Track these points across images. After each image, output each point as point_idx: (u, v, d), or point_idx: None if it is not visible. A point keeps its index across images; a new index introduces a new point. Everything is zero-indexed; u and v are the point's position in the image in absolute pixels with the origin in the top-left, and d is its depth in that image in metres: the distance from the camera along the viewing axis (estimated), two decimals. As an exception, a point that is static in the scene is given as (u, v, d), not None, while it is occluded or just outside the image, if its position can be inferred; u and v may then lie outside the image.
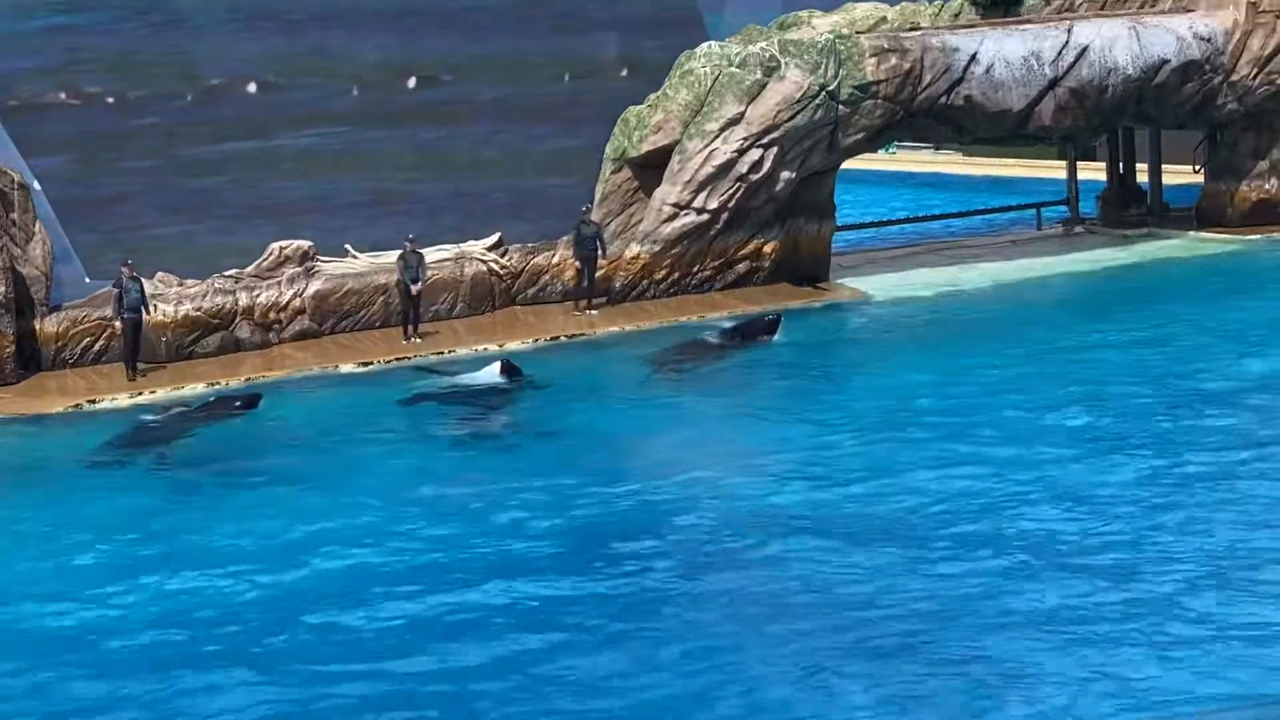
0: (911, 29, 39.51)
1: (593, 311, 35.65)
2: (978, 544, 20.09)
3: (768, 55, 36.79)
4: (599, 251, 35.83)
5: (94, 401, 30.88)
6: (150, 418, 29.38)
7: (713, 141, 36.29)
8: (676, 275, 36.79)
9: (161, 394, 31.04)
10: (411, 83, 36.97)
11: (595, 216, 36.60)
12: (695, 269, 36.92)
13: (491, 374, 30.74)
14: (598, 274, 36.07)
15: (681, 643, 17.63)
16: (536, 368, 31.18)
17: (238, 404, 29.85)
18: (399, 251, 34.41)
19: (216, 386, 31.51)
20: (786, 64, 36.59)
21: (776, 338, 33.12)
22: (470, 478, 24.40)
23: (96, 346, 33.15)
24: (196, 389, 31.33)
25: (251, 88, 35.60)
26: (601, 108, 37.52)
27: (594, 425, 27.40)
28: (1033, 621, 17.58)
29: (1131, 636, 16.99)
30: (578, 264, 35.99)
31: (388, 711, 16.40)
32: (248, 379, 32.07)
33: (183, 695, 17.02)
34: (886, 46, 37.27)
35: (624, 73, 38.60)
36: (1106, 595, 18.16)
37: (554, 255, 36.60)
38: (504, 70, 37.62)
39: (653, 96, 37.45)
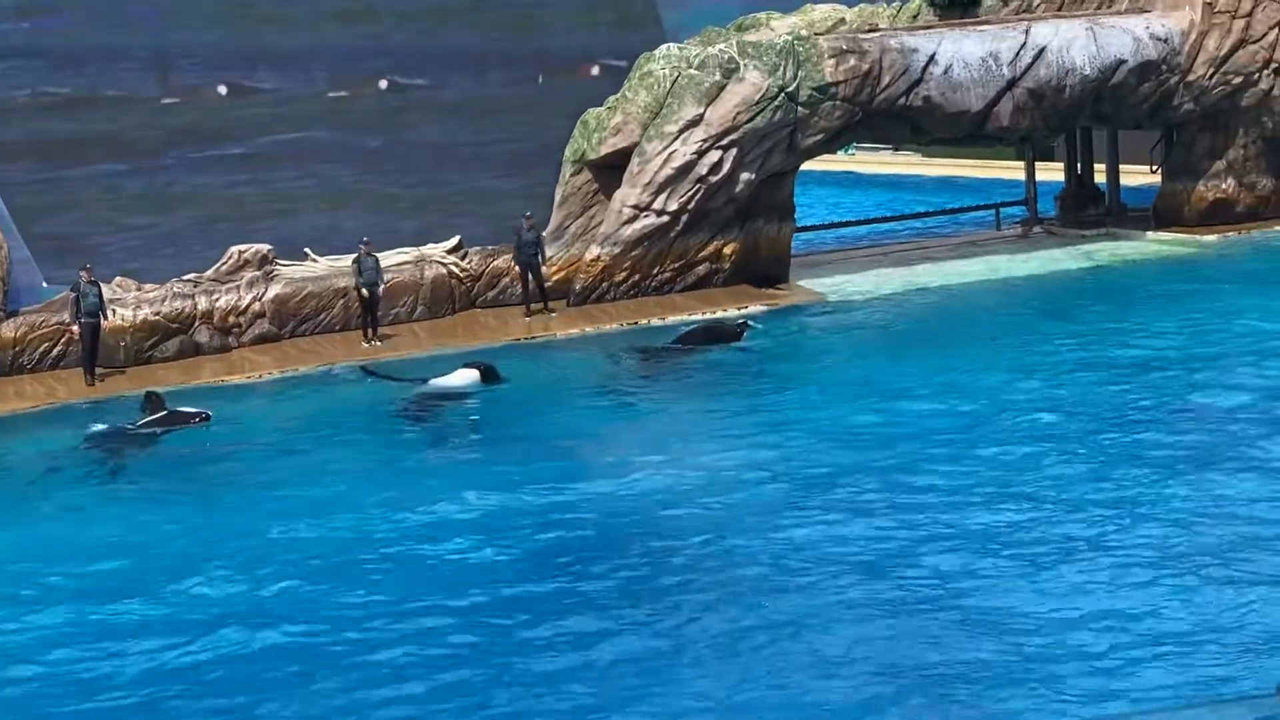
0: (870, 30, 39.60)
1: (552, 313, 35.61)
2: (940, 543, 20.12)
3: (726, 57, 36.84)
4: (540, 256, 35.78)
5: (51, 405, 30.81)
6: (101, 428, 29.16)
7: (672, 143, 36.31)
8: (636, 277, 36.80)
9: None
10: (383, 85, 36.99)
11: (555, 219, 36.58)
12: (655, 271, 36.94)
13: (468, 378, 30.50)
14: (554, 277, 36.09)
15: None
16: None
17: (196, 419, 29.05)
18: (354, 255, 34.34)
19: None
20: (745, 66, 36.63)
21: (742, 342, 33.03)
22: (438, 484, 24.30)
23: (55, 351, 33.02)
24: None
25: (222, 89, 35.51)
26: (564, 109, 37.67)
27: (559, 429, 27.32)
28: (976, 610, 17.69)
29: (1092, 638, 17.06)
30: (519, 269, 35.94)
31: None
32: (208, 382, 32.04)
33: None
34: (845, 48, 37.34)
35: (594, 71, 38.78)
36: (1050, 586, 18.26)
37: (512, 256, 36.59)
38: (466, 71, 37.69)
39: (612, 98, 37.48)
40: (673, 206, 36.44)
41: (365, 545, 21.62)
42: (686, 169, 36.26)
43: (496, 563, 20.69)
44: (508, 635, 18.18)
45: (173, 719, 16.78)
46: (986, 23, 40.36)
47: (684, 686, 16.56)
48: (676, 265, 37.07)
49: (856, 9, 41.45)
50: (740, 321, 34.12)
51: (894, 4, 42.25)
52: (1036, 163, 46.17)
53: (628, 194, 36.54)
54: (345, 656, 17.86)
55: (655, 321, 35.28)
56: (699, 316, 35.19)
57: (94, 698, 17.28)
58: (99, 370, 32.08)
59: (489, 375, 30.61)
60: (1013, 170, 49.61)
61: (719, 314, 35.16)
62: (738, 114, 36.35)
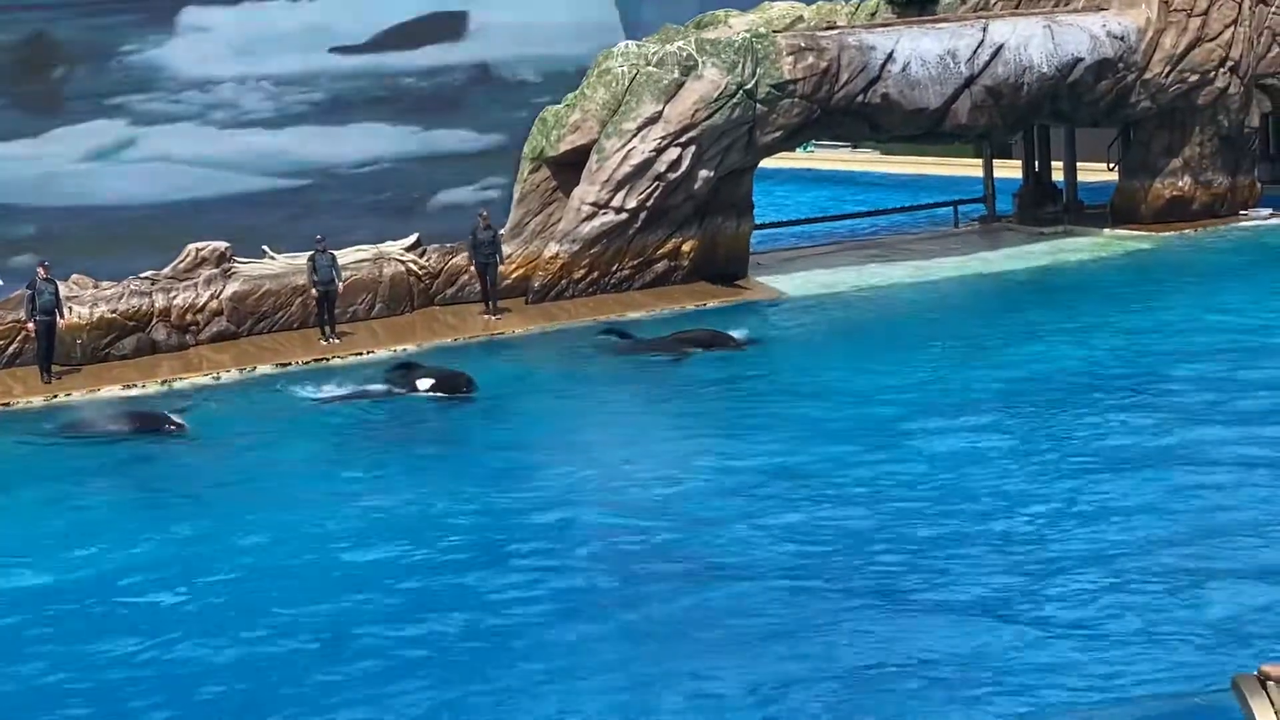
0: (828, 28, 39.68)
1: (496, 316, 35.47)
2: (902, 546, 20.13)
3: (685, 54, 36.86)
4: (496, 256, 35.71)
5: (7, 404, 30.64)
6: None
7: (630, 141, 36.32)
8: (595, 274, 36.79)
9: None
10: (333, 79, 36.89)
11: (514, 216, 36.57)
12: (614, 268, 36.93)
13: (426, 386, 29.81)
14: (512, 275, 36.06)
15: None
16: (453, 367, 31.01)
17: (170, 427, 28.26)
18: (309, 253, 34.24)
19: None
20: (704, 63, 36.66)
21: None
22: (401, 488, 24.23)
23: (10, 349, 32.84)
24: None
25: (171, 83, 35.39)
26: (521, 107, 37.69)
27: (514, 434, 27.25)
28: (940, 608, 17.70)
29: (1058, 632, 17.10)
30: (475, 269, 35.87)
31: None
32: (164, 381, 31.91)
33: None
34: (803, 45, 37.40)
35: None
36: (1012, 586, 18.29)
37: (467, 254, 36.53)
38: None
39: (570, 96, 37.48)
40: (631, 204, 36.45)
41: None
42: (645, 166, 36.27)
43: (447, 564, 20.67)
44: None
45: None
46: (944, 20, 40.49)
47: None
48: (635, 263, 37.07)
49: (814, 6, 41.58)
50: (744, 340, 32.36)
51: (852, 1, 42.35)
52: (994, 160, 46.40)
53: (586, 191, 36.53)
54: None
55: (615, 319, 35.27)
56: (658, 312, 35.22)
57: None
58: (55, 368, 31.90)
59: (454, 387, 29.56)
60: (971, 168, 49.80)
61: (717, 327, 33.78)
62: (696, 111, 36.37)
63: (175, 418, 28.26)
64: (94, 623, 19.02)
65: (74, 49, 34.36)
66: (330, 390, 30.05)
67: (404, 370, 30.59)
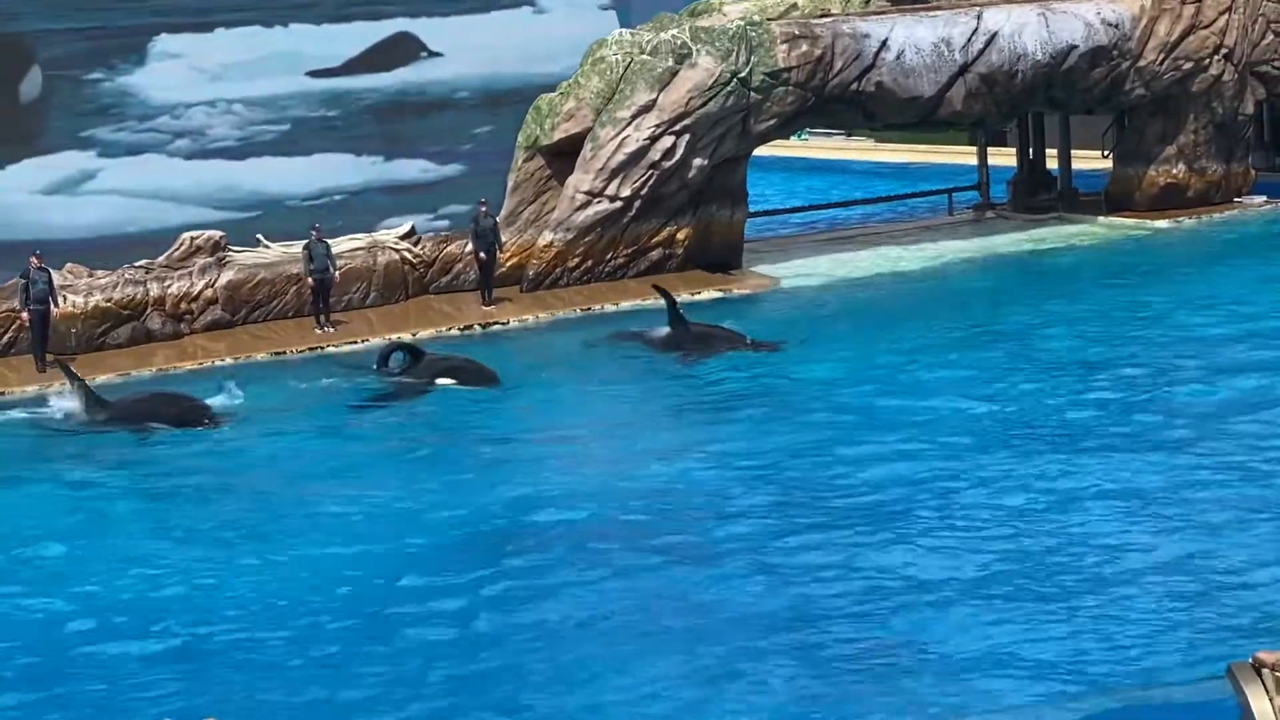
0: (822, 15, 39.64)
1: (490, 306, 35.44)
2: (902, 532, 20.16)
3: (679, 42, 36.84)
4: (496, 244, 35.66)
5: (1, 394, 30.65)
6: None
7: (625, 129, 36.30)
8: (590, 263, 36.78)
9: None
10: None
11: (508, 205, 36.55)
12: (608, 257, 36.92)
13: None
14: (507, 263, 36.06)
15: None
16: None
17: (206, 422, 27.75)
18: (304, 242, 34.21)
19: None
20: (698, 51, 36.64)
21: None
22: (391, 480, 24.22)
23: (5, 338, 32.82)
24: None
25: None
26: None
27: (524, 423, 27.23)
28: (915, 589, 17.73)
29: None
30: (478, 258, 35.78)
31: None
32: (159, 370, 31.93)
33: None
34: (798, 33, 37.38)
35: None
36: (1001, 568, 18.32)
37: (466, 244, 36.48)
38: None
39: (564, 84, 37.45)
40: (626, 192, 36.43)
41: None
42: (639, 155, 36.25)
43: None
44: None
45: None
46: (939, 8, 40.47)
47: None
48: (629, 251, 37.06)
49: (809, -6, 41.47)
50: (752, 341, 31.04)
51: (846, -11, 42.29)
52: (989, 148, 46.34)
53: (581, 180, 36.51)
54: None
55: (609, 308, 35.29)
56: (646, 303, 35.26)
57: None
58: (50, 357, 31.88)
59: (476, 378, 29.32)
60: (965, 155, 49.78)
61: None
62: (690, 99, 36.35)
63: (214, 404, 28.05)
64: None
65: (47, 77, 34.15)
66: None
67: (416, 360, 30.36)
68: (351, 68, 36.82)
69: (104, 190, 34.46)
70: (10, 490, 24.61)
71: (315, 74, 36.37)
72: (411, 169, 37.21)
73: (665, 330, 32.02)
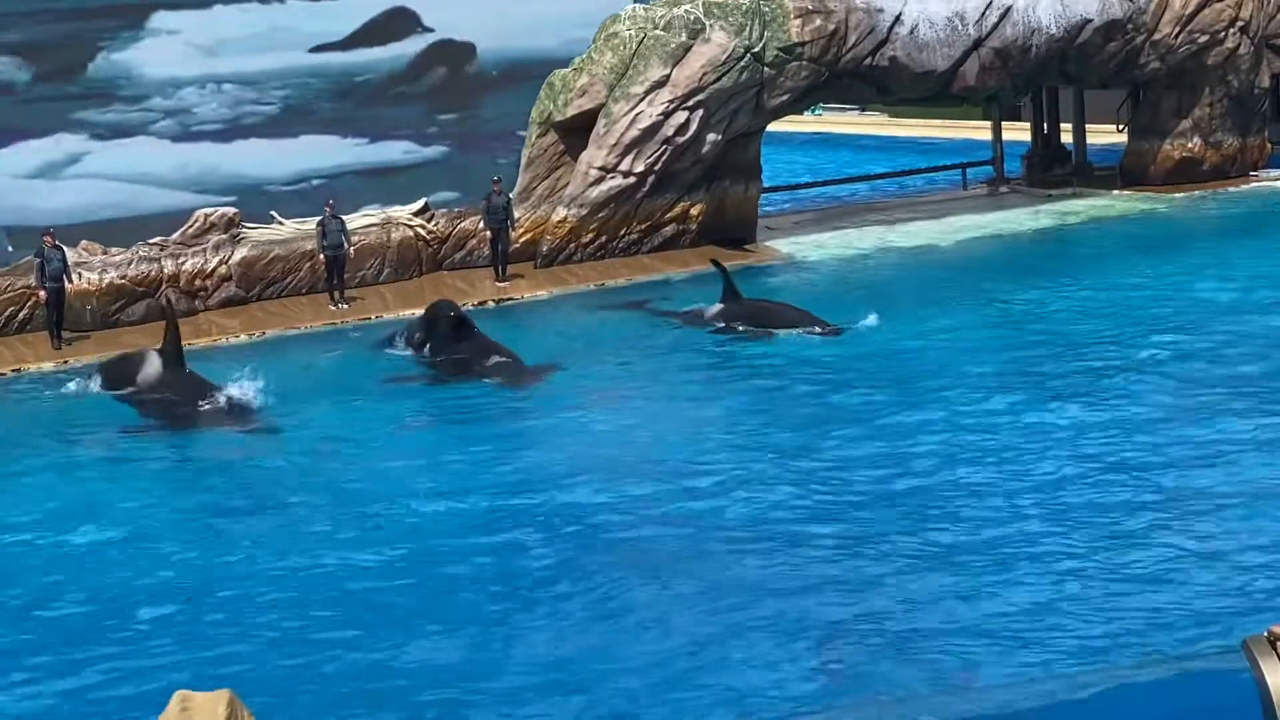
0: (836, -10, 39.54)
1: (504, 282, 35.46)
2: (910, 514, 20.16)
3: (692, 18, 36.79)
4: (509, 222, 35.63)
5: (18, 370, 30.70)
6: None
7: (638, 104, 36.27)
8: (603, 239, 36.78)
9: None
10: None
11: (522, 181, 36.55)
12: (622, 232, 36.92)
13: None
14: (521, 239, 36.07)
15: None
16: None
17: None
18: (319, 219, 34.22)
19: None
20: (711, 26, 36.60)
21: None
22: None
23: (21, 315, 32.89)
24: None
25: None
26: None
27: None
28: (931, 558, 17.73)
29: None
30: (489, 234, 35.72)
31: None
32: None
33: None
34: (811, 8, 37.30)
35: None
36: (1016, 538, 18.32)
37: (480, 220, 36.48)
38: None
39: (578, 60, 37.42)
40: (639, 168, 36.41)
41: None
42: (653, 130, 36.23)
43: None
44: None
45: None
46: (952, -18, 40.33)
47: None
48: (643, 227, 37.05)
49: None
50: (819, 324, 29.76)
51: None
52: (1003, 122, 46.27)
53: (594, 155, 36.50)
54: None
55: (622, 282, 35.28)
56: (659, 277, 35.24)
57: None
58: (66, 334, 31.97)
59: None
60: (979, 130, 49.72)
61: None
62: (704, 75, 36.32)
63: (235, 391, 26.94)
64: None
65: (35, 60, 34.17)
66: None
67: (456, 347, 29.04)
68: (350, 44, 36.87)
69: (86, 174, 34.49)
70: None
71: (316, 50, 36.40)
72: (395, 151, 37.16)
73: (718, 306, 31.13)
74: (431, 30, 37.47)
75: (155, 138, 35.01)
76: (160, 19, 35.06)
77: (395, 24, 37.34)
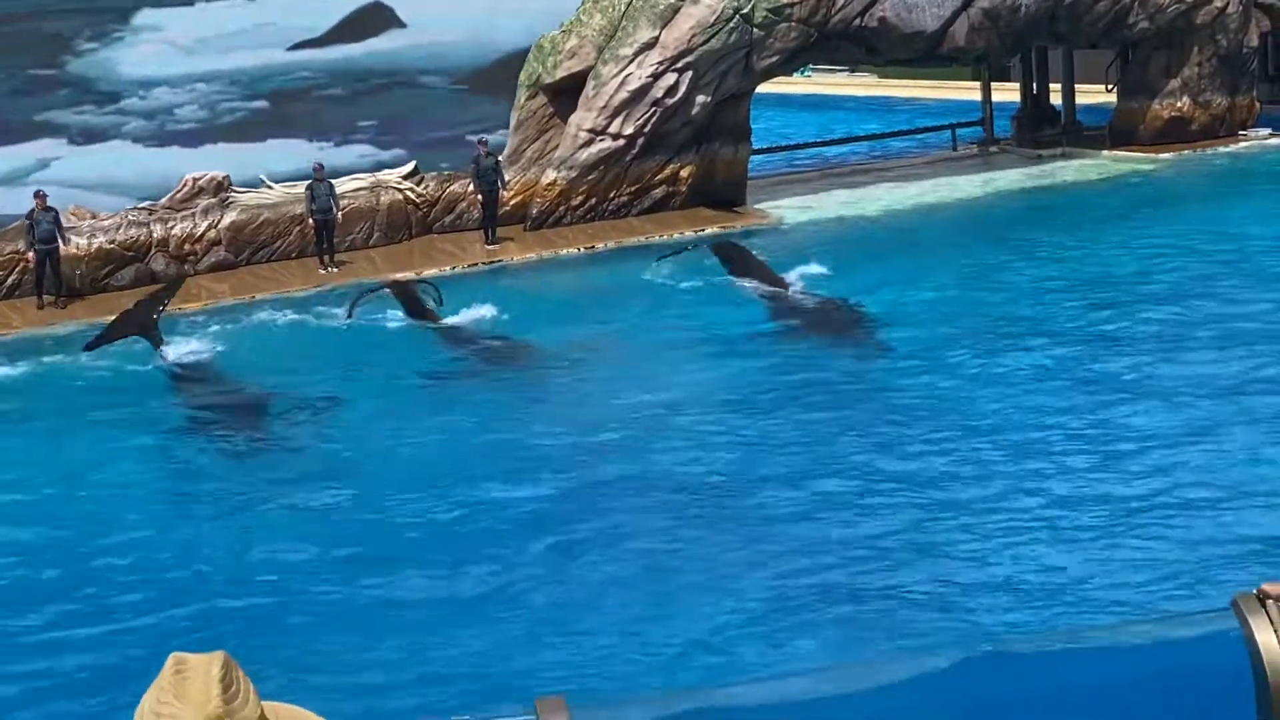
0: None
1: (493, 245, 35.41)
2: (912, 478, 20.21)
3: (681, -21, 36.69)
4: (499, 183, 35.56)
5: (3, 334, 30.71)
6: None
7: (627, 66, 36.20)
8: (593, 201, 36.73)
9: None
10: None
11: (511, 143, 36.48)
12: (612, 195, 36.87)
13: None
14: (510, 202, 36.00)
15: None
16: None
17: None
18: (307, 183, 34.15)
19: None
20: (700, -13, 36.50)
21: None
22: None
23: (9, 280, 32.82)
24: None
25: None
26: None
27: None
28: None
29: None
30: (479, 197, 35.62)
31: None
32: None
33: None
34: (800, -31, 37.21)
35: None
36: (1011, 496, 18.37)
37: (469, 183, 36.40)
38: None
39: (566, 21, 37.32)
40: (628, 130, 36.35)
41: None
42: (642, 92, 36.16)
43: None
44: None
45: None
46: (942, -58, 40.23)
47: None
48: (633, 189, 37.01)
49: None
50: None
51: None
52: (992, 83, 46.19)
53: (583, 118, 36.44)
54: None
55: (611, 245, 35.24)
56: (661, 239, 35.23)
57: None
58: (62, 298, 31.97)
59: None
60: (969, 91, 49.63)
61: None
62: (693, 36, 36.24)
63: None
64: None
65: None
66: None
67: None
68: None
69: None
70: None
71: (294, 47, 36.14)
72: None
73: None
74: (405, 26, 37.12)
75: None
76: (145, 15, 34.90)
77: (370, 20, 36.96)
